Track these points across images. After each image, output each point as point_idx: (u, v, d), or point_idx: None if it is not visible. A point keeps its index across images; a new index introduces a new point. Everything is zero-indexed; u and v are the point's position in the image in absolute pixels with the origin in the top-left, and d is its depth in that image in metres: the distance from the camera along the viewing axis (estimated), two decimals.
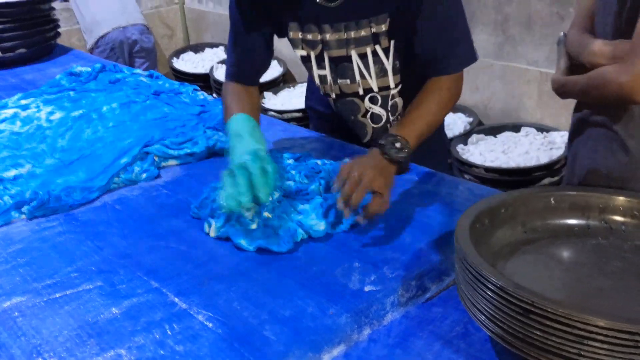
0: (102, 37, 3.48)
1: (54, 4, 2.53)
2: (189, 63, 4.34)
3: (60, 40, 2.60)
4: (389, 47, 1.31)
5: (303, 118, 3.27)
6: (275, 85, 3.74)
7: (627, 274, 0.89)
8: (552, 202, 1.00)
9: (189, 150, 1.46)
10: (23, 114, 1.68)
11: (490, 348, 0.86)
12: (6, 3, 2.31)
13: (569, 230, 0.98)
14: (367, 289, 0.97)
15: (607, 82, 1.01)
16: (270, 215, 1.13)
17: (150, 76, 1.98)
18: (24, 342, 0.89)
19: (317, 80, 1.41)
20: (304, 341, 0.87)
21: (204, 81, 3.96)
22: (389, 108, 1.40)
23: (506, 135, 2.90)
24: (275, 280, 1.00)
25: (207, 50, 4.47)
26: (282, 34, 1.37)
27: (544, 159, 2.65)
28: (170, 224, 1.20)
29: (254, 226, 1.11)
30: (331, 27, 1.29)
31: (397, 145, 1.14)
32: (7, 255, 1.11)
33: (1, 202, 1.25)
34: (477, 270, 0.78)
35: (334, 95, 1.42)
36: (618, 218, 0.98)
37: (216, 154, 1.50)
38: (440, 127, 1.57)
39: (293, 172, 1.28)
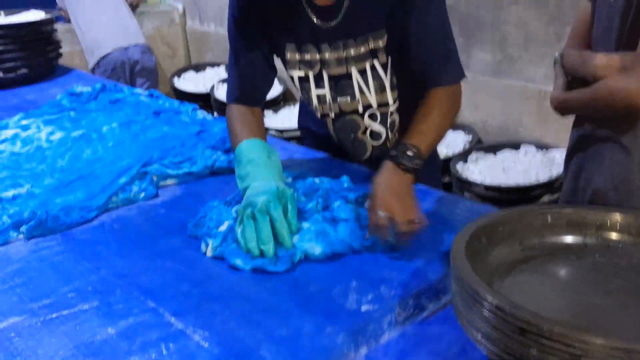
0: (103, 57, 3.50)
1: (56, 26, 2.55)
2: (190, 82, 4.36)
3: (63, 61, 2.62)
4: (387, 62, 1.32)
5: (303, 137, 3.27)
6: (275, 104, 3.76)
7: (625, 292, 0.88)
8: (549, 219, 1.00)
9: (187, 170, 1.47)
10: (23, 134, 1.69)
11: None
12: (9, 25, 2.33)
13: (567, 248, 0.98)
14: (364, 308, 0.97)
15: (616, 91, 1.01)
16: None
17: (151, 95, 1.99)
18: None
19: (314, 101, 1.40)
20: None
21: (205, 100, 3.98)
22: (388, 125, 1.41)
23: (506, 153, 2.90)
24: (272, 299, 1.00)
25: (208, 70, 4.50)
26: (278, 55, 1.38)
27: (543, 177, 2.65)
28: (167, 243, 1.20)
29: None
30: (330, 46, 1.30)
31: (409, 153, 1.14)
32: (5, 276, 1.11)
33: None
34: (473, 288, 0.77)
35: (332, 115, 1.42)
36: (615, 235, 0.98)
37: (215, 173, 1.50)
38: None
39: (292, 190, 1.28)
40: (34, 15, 2.47)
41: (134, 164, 1.44)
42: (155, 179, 1.44)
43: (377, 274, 1.05)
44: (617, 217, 0.98)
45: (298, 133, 3.36)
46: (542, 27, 2.72)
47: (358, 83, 1.34)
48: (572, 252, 0.97)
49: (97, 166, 1.48)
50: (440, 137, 1.25)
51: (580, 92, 1.11)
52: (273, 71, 1.40)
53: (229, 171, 1.50)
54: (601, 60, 1.08)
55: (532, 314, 0.71)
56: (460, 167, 2.84)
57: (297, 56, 1.34)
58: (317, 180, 1.32)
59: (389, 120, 1.40)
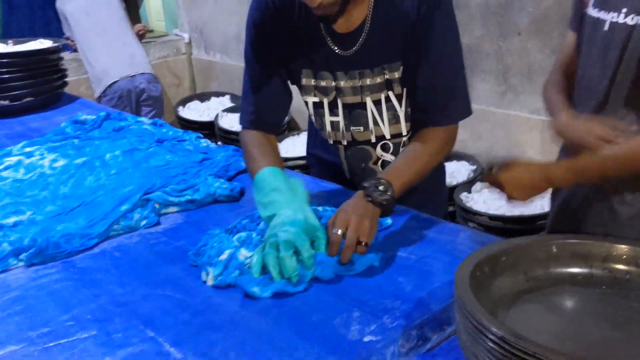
0: (110, 85, 3.53)
1: (63, 54, 2.58)
2: (194, 111, 4.39)
3: (68, 89, 2.64)
4: (401, 94, 1.32)
5: (307, 166, 3.27)
6: (279, 133, 3.76)
7: (633, 324, 0.87)
8: (554, 250, 0.98)
9: (189, 197, 1.46)
10: (27, 161, 1.70)
11: None
12: (15, 53, 2.35)
13: (572, 279, 0.97)
14: (366, 339, 0.95)
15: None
16: None
17: (154, 124, 2.00)
18: None
19: (328, 128, 1.40)
20: None
21: (209, 129, 3.99)
22: None
23: None
24: (273, 329, 0.99)
25: (213, 99, 4.53)
26: (293, 80, 1.38)
27: (547, 207, 2.63)
28: (168, 271, 1.18)
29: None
30: (345, 74, 1.30)
31: (381, 188, 1.15)
32: (3, 303, 1.10)
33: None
34: (478, 319, 0.76)
35: (345, 143, 1.42)
36: (622, 267, 0.97)
37: (217, 201, 1.50)
38: (440, 174, 1.57)
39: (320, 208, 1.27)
40: (41, 44, 2.49)
41: (136, 192, 1.44)
42: (157, 206, 1.43)
43: (380, 303, 1.04)
44: (623, 248, 0.97)
45: (302, 162, 3.38)
46: (545, 58, 2.74)
47: (372, 113, 1.34)
48: (577, 284, 0.96)
49: (99, 193, 1.48)
50: (421, 175, 1.25)
51: (609, 154, 1.11)
52: (289, 97, 1.40)
53: (231, 199, 1.49)
54: (601, 132, 1.10)
55: (538, 345, 0.69)
56: (464, 197, 2.83)
57: (313, 82, 1.34)
58: (320, 208, 1.32)
59: (401, 150, 1.40)
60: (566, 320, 0.90)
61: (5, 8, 4.36)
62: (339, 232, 1.09)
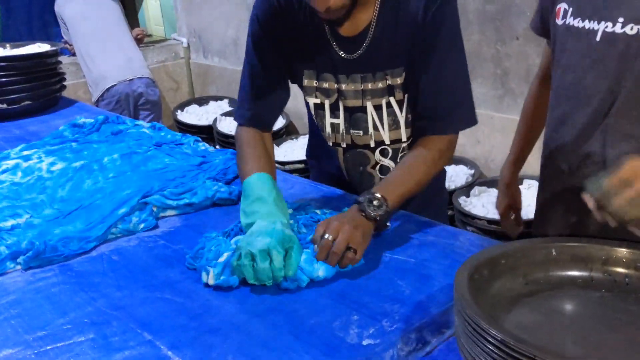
0: (108, 89, 3.53)
1: (61, 58, 2.57)
2: (193, 115, 4.39)
3: (66, 93, 2.63)
4: (403, 99, 1.32)
5: (305, 170, 3.28)
6: (278, 137, 3.76)
7: (632, 328, 0.86)
8: (553, 253, 0.98)
9: (187, 201, 1.46)
10: (24, 164, 1.69)
11: None
12: (13, 56, 2.35)
13: (572, 282, 0.96)
14: (365, 342, 0.94)
15: None
16: None
17: (153, 127, 2.00)
18: None
19: (328, 129, 1.40)
20: None
21: (208, 133, 3.99)
22: (399, 161, 1.40)
23: None
24: (271, 333, 0.98)
25: (212, 103, 4.53)
26: (295, 80, 1.38)
27: None
28: (166, 275, 1.18)
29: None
30: (347, 77, 1.30)
31: (375, 203, 1.15)
32: (0, 307, 1.09)
33: None
34: (477, 322, 0.76)
35: (344, 145, 1.41)
36: (621, 270, 0.96)
37: (215, 204, 1.49)
38: (441, 178, 1.57)
39: (291, 221, 1.27)
40: (39, 47, 2.49)
41: (134, 195, 1.43)
42: (155, 210, 1.43)
43: (379, 306, 1.03)
44: (623, 252, 0.97)
45: (300, 166, 3.38)
46: None
47: (372, 118, 1.34)
48: (577, 287, 0.96)
49: (97, 197, 1.47)
50: (419, 186, 1.25)
51: None
52: (287, 96, 1.40)
53: (229, 202, 1.49)
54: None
55: (538, 348, 0.69)
56: (462, 201, 2.83)
57: (315, 83, 1.34)
58: (318, 211, 1.31)
59: (399, 156, 1.40)
60: (565, 323, 0.89)
61: (4, 12, 4.36)
62: (330, 237, 1.10)
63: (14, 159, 1.74)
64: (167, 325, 1.01)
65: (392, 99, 1.31)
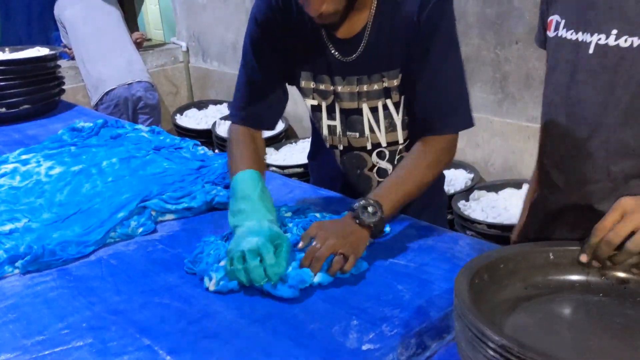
0: (107, 93, 3.52)
1: (60, 62, 2.57)
2: (192, 119, 4.39)
3: (65, 97, 2.63)
4: (399, 102, 1.31)
5: (304, 174, 3.28)
6: (277, 141, 3.76)
7: (630, 331, 0.86)
8: (552, 257, 0.98)
9: (186, 205, 1.45)
10: (23, 168, 1.69)
11: None
12: (12, 60, 2.35)
13: (571, 287, 0.96)
14: (365, 347, 0.94)
15: None
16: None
17: (152, 131, 1.99)
18: None
19: (325, 131, 1.40)
20: None
21: (207, 137, 3.99)
22: (396, 163, 1.40)
23: (508, 191, 2.89)
24: (270, 338, 0.98)
25: (211, 107, 4.53)
26: (293, 81, 1.38)
27: None
28: (165, 279, 1.17)
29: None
30: (343, 79, 1.30)
31: (370, 209, 1.14)
32: None
33: None
34: (478, 327, 0.75)
35: (341, 147, 1.41)
36: (618, 274, 0.96)
37: (214, 208, 1.49)
38: (440, 181, 1.56)
39: (290, 224, 1.26)
40: (38, 51, 2.49)
41: (132, 199, 1.43)
42: (154, 214, 1.42)
43: (379, 311, 1.03)
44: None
45: (299, 170, 3.38)
46: (543, 67, 2.74)
47: (369, 120, 1.34)
48: (575, 291, 0.95)
49: (95, 201, 1.47)
50: (418, 190, 1.24)
51: None
52: (284, 96, 1.40)
53: (228, 207, 1.48)
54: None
55: (540, 353, 0.69)
56: (462, 205, 2.83)
57: (312, 85, 1.34)
58: (317, 215, 1.31)
59: (397, 158, 1.39)
60: (564, 328, 0.89)
61: (3, 15, 4.36)
62: (317, 244, 1.10)
63: (12, 162, 1.73)
64: (166, 330, 1.01)
65: (388, 101, 1.31)
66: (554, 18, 1.15)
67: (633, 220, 0.91)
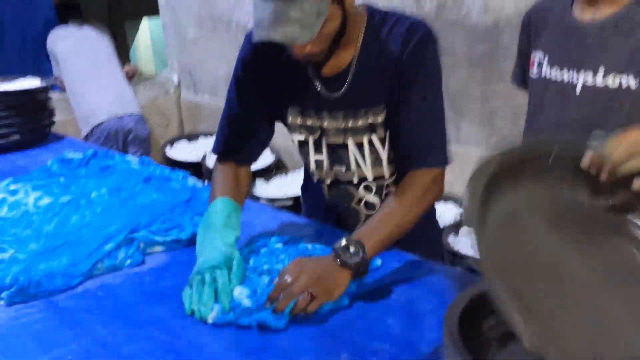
0: (98, 125, 3.52)
1: (51, 94, 2.57)
2: (182, 151, 4.38)
3: (56, 129, 2.62)
4: (384, 137, 1.33)
5: (295, 206, 3.27)
6: (267, 173, 3.76)
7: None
8: None
9: (175, 237, 1.45)
10: (11, 199, 1.67)
11: None
12: (3, 92, 2.35)
13: None
14: None
15: None
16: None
17: (142, 162, 1.99)
18: None
19: (312, 166, 1.41)
20: None
21: (196, 169, 3.99)
22: (383, 196, 1.40)
23: None
24: None
25: (201, 139, 4.53)
26: (280, 117, 1.39)
27: None
28: (152, 311, 1.16)
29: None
30: (329, 114, 1.32)
31: (352, 250, 1.14)
32: None
33: None
34: None
35: (328, 182, 1.42)
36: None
37: None
38: (431, 214, 1.56)
39: (282, 255, 1.26)
40: (30, 82, 2.49)
41: (121, 230, 1.42)
42: (142, 245, 1.41)
43: (369, 345, 1.02)
44: None
45: (290, 202, 3.37)
46: None
47: (354, 155, 1.35)
48: None
49: (83, 232, 1.46)
50: (403, 228, 1.24)
51: None
52: (267, 133, 1.43)
53: None
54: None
55: None
56: (451, 239, 2.82)
57: (299, 120, 1.36)
58: (309, 246, 1.31)
59: (384, 192, 1.40)
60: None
61: None
62: (289, 279, 1.10)
63: (0, 193, 1.72)
64: None
65: (374, 137, 1.32)
66: (537, 55, 1.15)
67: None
